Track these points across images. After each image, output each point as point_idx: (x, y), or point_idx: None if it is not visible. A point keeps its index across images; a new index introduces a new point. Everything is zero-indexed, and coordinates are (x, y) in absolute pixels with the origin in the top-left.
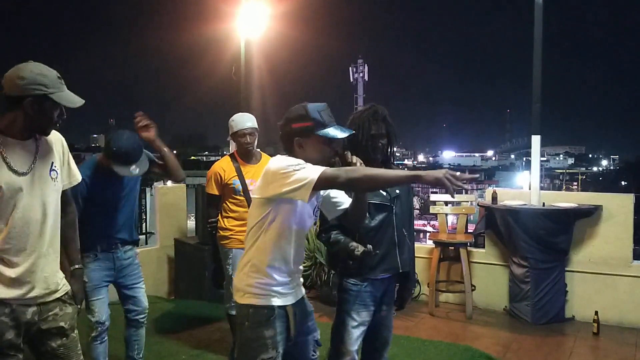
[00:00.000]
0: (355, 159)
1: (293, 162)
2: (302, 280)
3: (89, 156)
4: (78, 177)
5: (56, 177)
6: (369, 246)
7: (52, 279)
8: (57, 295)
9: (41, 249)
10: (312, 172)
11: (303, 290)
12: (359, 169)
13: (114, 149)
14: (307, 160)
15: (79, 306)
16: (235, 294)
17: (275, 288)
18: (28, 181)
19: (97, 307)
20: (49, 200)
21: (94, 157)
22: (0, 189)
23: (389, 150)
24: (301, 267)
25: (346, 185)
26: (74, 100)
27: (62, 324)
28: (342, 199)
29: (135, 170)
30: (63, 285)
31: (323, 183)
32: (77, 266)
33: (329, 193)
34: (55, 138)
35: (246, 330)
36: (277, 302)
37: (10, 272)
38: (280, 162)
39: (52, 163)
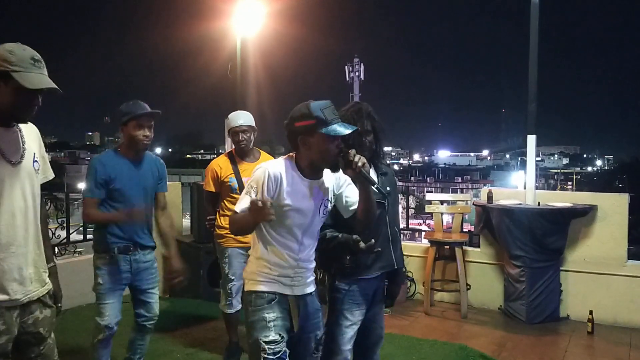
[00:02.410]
0: (358, 157)
1: (251, 182)
2: (313, 276)
3: (84, 153)
4: (51, 174)
5: (38, 169)
6: (372, 240)
7: (37, 276)
8: (40, 294)
9: (27, 244)
10: (243, 201)
11: (312, 287)
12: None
13: (124, 107)
14: (311, 159)
15: (60, 305)
16: (245, 284)
17: (276, 277)
18: (16, 172)
19: (108, 311)
20: (32, 193)
21: (108, 150)
22: None
23: (377, 146)
24: (311, 265)
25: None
26: (35, 82)
27: (40, 329)
28: (354, 199)
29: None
30: (46, 284)
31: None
32: (51, 264)
33: (342, 192)
34: (32, 129)
35: (249, 315)
36: (277, 289)
37: (0, 270)
38: (253, 173)
39: (34, 154)
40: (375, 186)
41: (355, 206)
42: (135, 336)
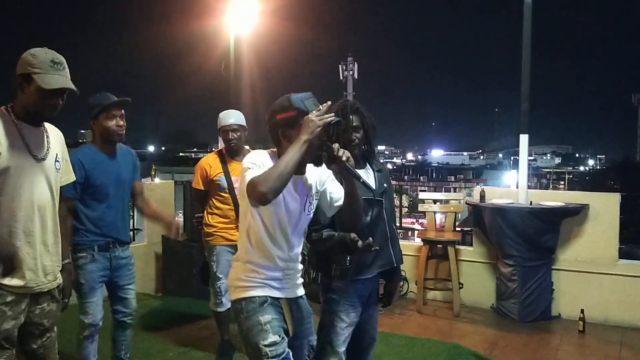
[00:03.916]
0: (342, 151)
1: (251, 160)
2: (301, 280)
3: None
4: (72, 177)
5: (59, 169)
6: (370, 239)
7: (51, 269)
8: (51, 287)
9: (44, 236)
10: (251, 175)
11: (302, 290)
12: (268, 173)
13: (91, 101)
14: None
15: (66, 301)
16: (229, 293)
17: (265, 281)
18: (40, 167)
19: (92, 308)
20: (53, 189)
21: (85, 146)
22: (9, 169)
23: (369, 143)
24: (299, 266)
25: (262, 192)
26: (51, 83)
27: (44, 321)
28: (338, 195)
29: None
30: (58, 278)
31: (249, 189)
32: (67, 261)
33: (325, 188)
34: (57, 133)
35: (243, 322)
36: (268, 292)
37: (15, 258)
38: (247, 158)
39: (57, 154)
40: (361, 180)
41: (340, 202)
42: (117, 333)
